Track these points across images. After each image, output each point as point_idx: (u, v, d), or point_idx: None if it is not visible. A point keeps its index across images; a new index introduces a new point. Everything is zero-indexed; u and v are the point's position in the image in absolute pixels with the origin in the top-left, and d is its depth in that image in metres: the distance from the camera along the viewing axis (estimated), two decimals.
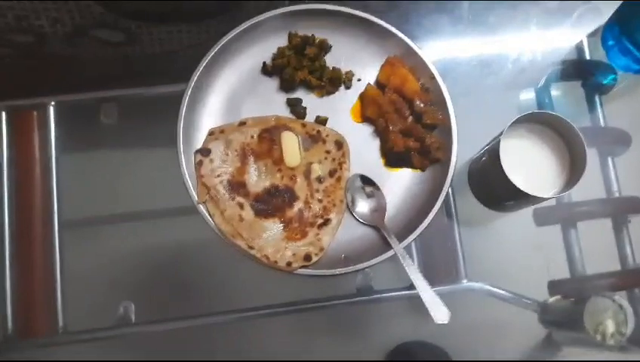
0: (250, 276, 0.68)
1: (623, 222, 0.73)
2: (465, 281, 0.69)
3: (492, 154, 0.58)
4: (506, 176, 0.57)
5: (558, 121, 0.58)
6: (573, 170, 0.59)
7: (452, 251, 0.70)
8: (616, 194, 0.74)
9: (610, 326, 0.65)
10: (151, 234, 0.70)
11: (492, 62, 0.77)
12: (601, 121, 0.76)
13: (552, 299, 0.70)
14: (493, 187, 0.62)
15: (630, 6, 0.66)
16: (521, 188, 0.56)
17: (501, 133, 0.58)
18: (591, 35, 0.77)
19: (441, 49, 0.77)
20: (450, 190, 0.71)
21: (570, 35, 0.78)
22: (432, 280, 0.67)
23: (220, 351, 0.67)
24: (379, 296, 0.68)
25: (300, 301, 0.68)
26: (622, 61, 0.71)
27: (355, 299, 0.68)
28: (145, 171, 0.71)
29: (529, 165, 0.60)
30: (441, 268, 0.70)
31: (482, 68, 0.77)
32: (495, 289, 0.70)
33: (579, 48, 0.78)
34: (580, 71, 0.77)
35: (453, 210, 0.71)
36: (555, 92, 0.77)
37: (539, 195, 0.57)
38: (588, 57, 0.78)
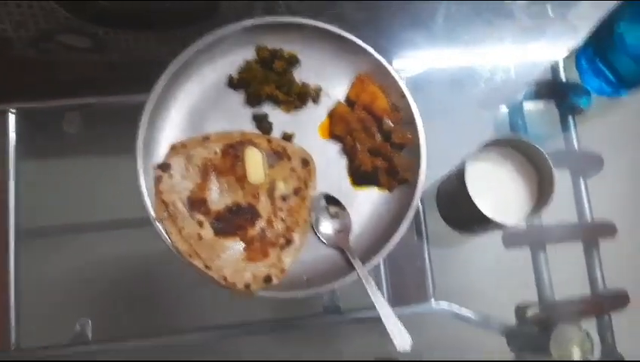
0: (213, 292, 0.65)
1: (593, 245, 0.72)
2: (433, 301, 0.68)
3: (458, 178, 0.57)
4: (472, 201, 0.55)
5: (526, 145, 0.57)
6: (542, 195, 0.58)
7: (421, 271, 0.69)
8: (588, 217, 0.73)
9: (575, 355, 0.64)
10: (110, 247, 0.68)
11: (465, 80, 0.76)
12: (575, 142, 0.76)
13: (530, 313, 0.68)
14: (460, 210, 0.61)
15: (604, 28, 0.65)
16: (487, 215, 0.54)
17: (468, 157, 0.56)
18: (566, 56, 0.76)
19: (414, 65, 0.76)
20: (421, 209, 0.69)
21: (545, 54, 0.77)
22: (400, 299, 0.68)
23: None
24: (346, 317, 0.67)
25: (263, 320, 0.67)
26: (595, 83, 0.70)
27: (322, 318, 0.67)
28: (105, 182, 0.69)
29: (496, 189, 0.58)
30: (409, 287, 0.69)
31: (455, 85, 0.76)
32: (462, 311, 0.69)
33: (554, 68, 0.77)
34: (554, 91, 0.77)
35: (424, 230, 0.70)
36: (529, 111, 0.76)
37: (505, 222, 0.55)
38: (563, 78, 0.76)
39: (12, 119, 0.69)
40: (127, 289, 0.67)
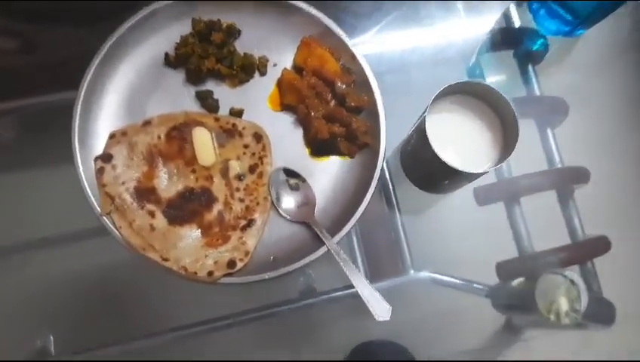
0: (182, 289, 0.62)
1: (568, 193, 0.71)
2: (412, 272, 0.66)
3: (420, 133, 0.54)
4: (436, 154, 0.52)
5: (485, 90, 0.55)
6: (507, 140, 0.55)
7: (396, 242, 0.66)
8: (559, 165, 0.71)
9: (563, 304, 0.62)
10: (64, 259, 0.63)
11: (419, 38, 0.74)
12: (537, 90, 0.74)
13: (515, 283, 0.66)
14: (425, 168, 0.58)
15: None
16: (453, 166, 0.52)
17: (426, 110, 0.53)
18: (518, 1, 0.74)
19: (363, 27, 0.73)
20: (388, 177, 0.67)
21: (496, 3, 0.75)
22: (379, 274, 0.65)
23: None
24: (323, 297, 0.64)
25: (238, 312, 0.63)
26: (550, 25, 0.69)
27: (298, 303, 0.63)
28: (49, 190, 0.64)
29: (460, 140, 0.56)
30: (386, 260, 0.67)
31: (408, 44, 0.74)
32: (443, 278, 0.67)
33: (507, 16, 0.75)
34: (509, 39, 0.75)
35: (394, 199, 0.67)
36: (487, 64, 0.74)
37: (472, 171, 0.53)
38: (517, 24, 0.75)
39: None
40: (87, 300, 0.63)
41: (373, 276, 0.64)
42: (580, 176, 0.72)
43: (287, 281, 0.63)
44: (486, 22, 0.76)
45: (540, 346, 0.69)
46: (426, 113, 0.54)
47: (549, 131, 0.72)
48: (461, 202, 0.69)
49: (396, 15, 0.75)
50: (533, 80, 0.74)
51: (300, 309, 0.64)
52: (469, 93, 0.57)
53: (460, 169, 0.53)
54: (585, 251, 0.70)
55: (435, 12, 0.76)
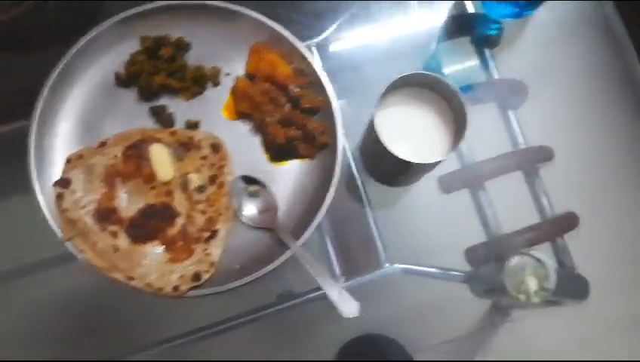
0: (156, 306, 0.62)
1: (533, 173, 0.71)
2: (386, 265, 0.66)
3: (371, 130, 0.55)
4: (388, 150, 0.53)
5: (433, 80, 0.55)
6: (459, 127, 0.56)
7: (367, 237, 0.67)
8: (523, 146, 0.72)
9: (532, 284, 0.63)
10: (30, 289, 0.64)
11: (374, 35, 0.75)
12: (495, 74, 0.75)
13: (487, 266, 0.67)
14: (382, 163, 0.59)
15: None
16: (405, 159, 0.53)
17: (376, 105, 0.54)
18: None
19: (317, 29, 0.73)
20: (355, 173, 0.68)
21: None
22: (353, 270, 0.66)
23: None
24: (301, 299, 0.65)
25: (215, 322, 0.63)
26: (499, 8, 0.70)
27: (277, 307, 0.64)
28: (9, 221, 0.64)
29: (412, 132, 0.57)
30: (359, 256, 0.67)
31: (364, 41, 0.74)
32: (418, 268, 0.68)
33: (460, 4, 0.76)
34: (463, 27, 0.76)
35: (363, 195, 0.68)
36: (444, 53, 0.75)
37: (424, 162, 0.53)
38: (470, 11, 0.76)
39: None
40: (59, 327, 0.63)
41: (348, 273, 0.65)
42: (544, 154, 0.73)
43: (264, 286, 0.63)
44: (439, 13, 0.77)
45: (526, 326, 0.70)
46: (374, 108, 0.55)
47: (510, 113, 0.73)
48: (427, 192, 0.70)
49: (351, 13, 0.76)
50: (491, 64, 0.75)
51: (280, 313, 0.65)
52: (419, 85, 0.58)
53: (412, 161, 0.54)
54: (553, 228, 0.70)
55: (389, 8, 0.76)
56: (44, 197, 0.59)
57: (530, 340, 0.70)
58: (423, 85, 0.58)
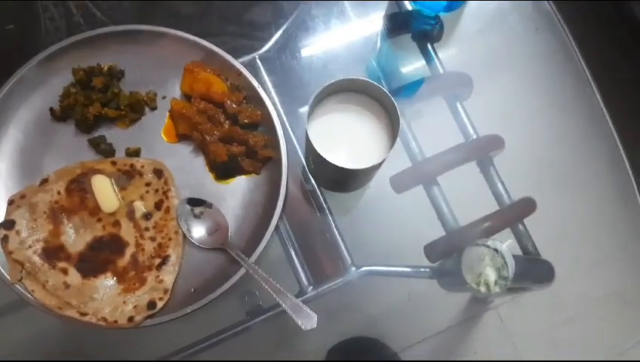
0: (120, 336, 0.62)
1: (487, 162, 0.73)
2: (353, 269, 0.67)
3: (307, 140, 0.56)
4: (323, 158, 0.54)
5: (363, 84, 0.56)
6: (393, 126, 0.57)
7: (333, 244, 0.68)
8: (474, 137, 0.73)
9: (490, 274, 0.64)
10: None
11: (315, 42, 0.76)
12: (440, 68, 0.76)
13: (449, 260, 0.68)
14: (324, 171, 0.60)
15: None
16: (342, 166, 0.54)
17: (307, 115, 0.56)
18: None
19: (259, 41, 0.74)
20: (313, 182, 0.69)
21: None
22: (322, 278, 0.67)
23: None
24: (269, 313, 0.65)
25: (184, 346, 0.64)
26: (431, 4, 0.71)
27: (247, 324, 0.65)
28: None
29: (349, 138, 0.58)
30: (326, 263, 0.68)
31: (305, 52, 0.75)
32: (385, 269, 0.69)
33: (398, 2, 0.77)
34: (401, 24, 0.78)
35: (323, 202, 0.69)
36: (387, 52, 0.76)
37: (363, 166, 0.54)
38: (408, 7, 0.77)
39: None
40: None
41: (316, 280, 0.67)
42: (494, 143, 0.74)
43: (232, 303, 0.65)
44: (376, 15, 0.78)
45: (509, 311, 0.71)
46: (306, 120, 0.56)
47: (458, 105, 0.75)
48: (382, 193, 0.71)
49: (291, 24, 0.77)
50: (435, 59, 0.76)
51: (251, 329, 0.65)
52: (350, 90, 0.59)
53: (349, 168, 0.55)
54: (511, 215, 0.72)
55: (326, 15, 0.77)
56: None
57: (514, 324, 0.71)
58: (353, 90, 0.59)
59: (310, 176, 0.69)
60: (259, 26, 0.77)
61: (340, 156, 0.55)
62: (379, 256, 0.69)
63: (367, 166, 0.55)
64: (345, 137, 0.58)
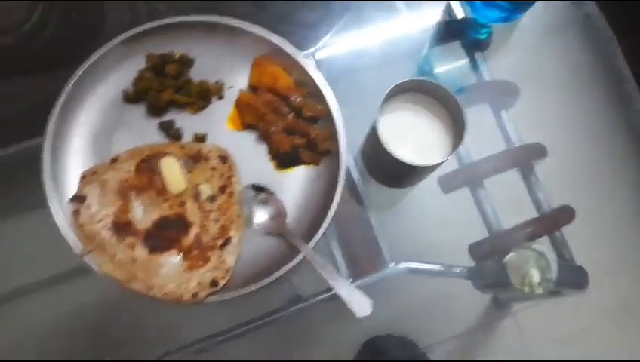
0: (171, 314, 0.67)
1: (529, 169, 0.76)
2: (392, 265, 0.70)
3: (374, 134, 0.59)
4: (390, 153, 0.58)
5: (430, 85, 0.60)
6: (457, 130, 0.61)
7: (372, 238, 0.71)
8: (517, 145, 0.76)
9: (535, 276, 0.67)
10: (48, 304, 0.67)
11: (367, 41, 0.80)
12: (487, 76, 0.79)
13: (489, 261, 0.71)
14: (384, 166, 0.63)
15: None
16: (407, 161, 0.57)
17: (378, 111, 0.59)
18: None
19: (313, 40, 0.78)
20: (357, 177, 0.72)
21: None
22: (359, 272, 0.69)
23: None
24: (309, 302, 0.68)
25: (229, 328, 0.67)
26: (488, 13, 0.75)
27: (285, 311, 0.68)
28: (25, 239, 0.68)
29: (412, 136, 0.61)
30: (365, 257, 0.71)
31: (358, 47, 0.79)
32: (423, 266, 0.71)
33: (449, 9, 0.81)
34: (453, 32, 0.81)
35: (366, 198, 0.72)
36: (436, 57, 0.80)
37: (425, 164, 0.58)
38: (459, 15, 0.80)
39: None
40: (77, 341, 0.67)
41: (354, 274, 0.69)
42: (537, 151, 0.77)
43: (273, 292, 0.67)
44: (429, 17, 0.82)
45: (527, 318, 0.74)
46: (377, 113, 0.59)
47: (503, 113, 0.78)
48: (428, 192, 0.74)
49: (344, 22, 0.80)
50: (483, 67, 0.80)
51: (288, 317, 0.68)
52: (418, 90, 0.62)
53: (414, 164, 0.58)
54: (551, 222, 0.75)
55: (380, 14, 0.81)
56: (59, 212, 0.62)
57: (532, 331, 0.74)
58: (421, 90, 0.62)
59: (355, 170, 0.71)
60: (310, 26, 0.80)
61: (404, 153, 0.59)
62: (416, 253, 0.72)
63: (433, 163, 0.58)
64: (410, 135, 0.61)
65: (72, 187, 0.64)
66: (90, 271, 0.62)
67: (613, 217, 0.77)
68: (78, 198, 0.63)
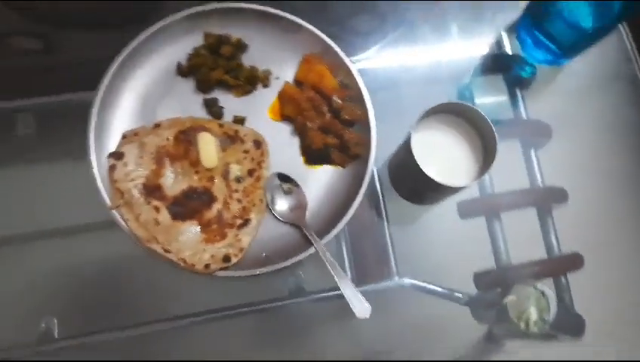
0: (178, 283, 0.69)
1: (546, 211, 0.78)
2: (396, 278, 0.72)
3: (406, 148, 0.62)
4: (420, 168, 0.60)
5: (467, 110, 0.62)
6: (487, 158, 0.63)
7: (382, 249, 0.73)
8: (540, 185, 0.78)
9: (533, 314, 0.69)
10: (72, 249, 0.71)
11: (414, 58, 0.82)
12: (523, 113, 0.81)
13: (491, 292, 0.73)
14: (411, 180, 0.66)
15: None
16: (435, 179, 0.59)
17: (413, 127, 0.61)
18: (508, 29, 0.82)
19: (361, 48, 0.81)
20: (378, 189, 0.74)
21: (489, 30, 0.83)
22: (364, 277, 0.72)
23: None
24: (311, 297, 0.71)
25: (230, 306, 0.70)
26: (536, 53, 0.77)
27: (288, 301, 0.70)
28: (63, 184, 0.72)
29: (442, 156, 0.64)
30: (372, 266, 0.73)
31: (404, 63, 0.82)
32: (426, 285, 0.74)
33: (498, 42, 0.83)
34: (499, 65, 0.83)
35: (383, 208, 0.74)
36: (477, 86, 0.82)
37: (452, 185, 0.60)
38: (508, 51, 0.82)
39: None
40: (91, 288, 0.70)
41: (359, 279, 0.71)
42: (558, 196, 0.79)
43: (277, 281, 0.70)
44: (477, 46, 0.84)
45: (519, 358, 0.75)
46: (411, 129, 0.62)
47: (532, 152, 0.80)
48: (445, 214, 0.76)
49: (395, 35, 0.83)
50: (521, 104, 0.82)
51: (289, 307, 0.71)
52: (454, 113, 0.65)
53: (441, 182, 0.60)
54: (559, 266, 0.77)
55: (431, 35, 0.84)
56: (97, 165, 0.66)
57: None
58: (458, 113, 0.65)
59: (377, 180, 0.74)
60: (362, 34, 0.83)
61: (432, 170, 0.61)
62: (422, 271, 0.74)
63: (458, 185, 0.60)
64: (440, 154, 0.64)
65: (113, 144, 0.68)
66: (114, 225, 0.66)
67: (619, 273, 0.78)
68: (117, 155, 0.66)
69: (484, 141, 0.64)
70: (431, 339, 0.74)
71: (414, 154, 0.61)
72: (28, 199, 0.71)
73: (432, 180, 0.61)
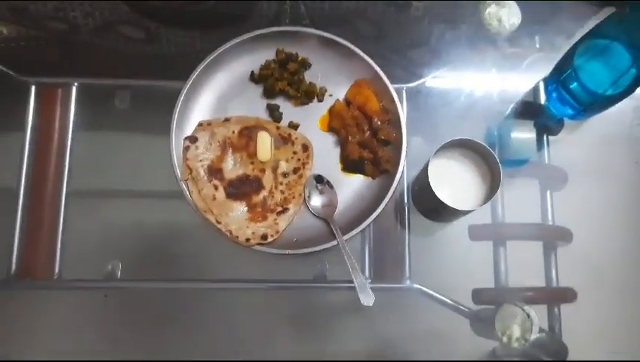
0: (222, 251, 0.83)
1: (551, 247, 0.86)
2: (408, 282, 0.83)
3: (425, 172, 0.74)
4: (433, 190, 0.72)
5: (479, 146, 0.73)
6: (492, 188, 0.74)
7: (400, 256, 0.84)
8: (550, 223, 0.87)
9: (516, 332, 0.79)
10: (142, 209, 0.85)
11: (454, 93, 0.92)
12: (546, 157, 0.90)
13: (487, 308, 0.82)
14: (427, 200, 0.77)
15: (566, 60, 0.81)
16: (444, 202, 0.71)
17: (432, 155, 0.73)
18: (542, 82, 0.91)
19: (412, 76, 0.92)
20: (406, 205, 0.85)
21: (524, 79, 0.93)
22: (379, 276, 0.83)
23: (190, 314, 0.80)
24: (331, 284, 0.83)
25: (262, 279, 0.83)
26: (560, 107, 0.85)
27: (310, 284, 0.83)
28: (145, 154, 0.86)
29: (454, 182, 0.75)
30: (388, 268, 0.84)
31: (443, 97, 0.92)
32: (433, 293, 0.83)
33: (535, 90, 0.92)
34: (531, 112, 0.92)
35: (406, 220, 0.86)
36: (509, 125, 0.92)
37: (458, 208, 0.72)
38: (542, 101, 0.91)
39: (74, 91, 0.88)
40: (151, 244, 0.83)
41: (375, 277, 0.83)
42: (564, 235, 0.87)
43: (306, 266, 0.83)
44: (516, 92, 0.93)
45: None
46: (430, 157, 0.74)
47: (548, 193, 0.88)
48: (458, 234, 0.86)
49: (442, 71, 0.94)
50: (545, 149, 0.90)
51: (311, 290, 0.83)
52: (468, 148, 0.75)
53: (449, 205, 0.72)
54: (552, 296, 0.84)
55: (473, 75, 0.94)
56: (175, 143, 0.81)
57: None
58: (471, 148, 0.75)
59: (406, 195, 0.85)
60: (413, 62, 0.94)
61: (443, 193, 0.73)
62: (431, 281, 0.83)
63: (462, 209, 0.72)
64: (452, 181, 0.75)
65: (189, 129, 0.84)
66: (180, 195, 0.80)
67: (609, 314, 0.84)
68: (192, 138, 0.82)
69: (491, 174, 0.75)
70: (432, 346, 0.82)
71: (430, 178, 0.73)
72: (114, 162, 0.84)
73: (442, 202, 0.72)
